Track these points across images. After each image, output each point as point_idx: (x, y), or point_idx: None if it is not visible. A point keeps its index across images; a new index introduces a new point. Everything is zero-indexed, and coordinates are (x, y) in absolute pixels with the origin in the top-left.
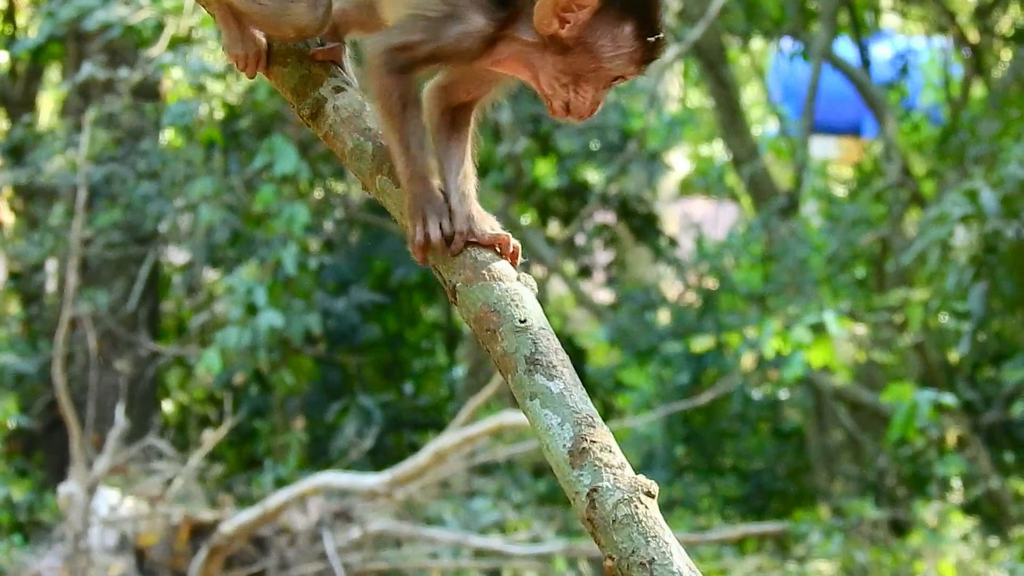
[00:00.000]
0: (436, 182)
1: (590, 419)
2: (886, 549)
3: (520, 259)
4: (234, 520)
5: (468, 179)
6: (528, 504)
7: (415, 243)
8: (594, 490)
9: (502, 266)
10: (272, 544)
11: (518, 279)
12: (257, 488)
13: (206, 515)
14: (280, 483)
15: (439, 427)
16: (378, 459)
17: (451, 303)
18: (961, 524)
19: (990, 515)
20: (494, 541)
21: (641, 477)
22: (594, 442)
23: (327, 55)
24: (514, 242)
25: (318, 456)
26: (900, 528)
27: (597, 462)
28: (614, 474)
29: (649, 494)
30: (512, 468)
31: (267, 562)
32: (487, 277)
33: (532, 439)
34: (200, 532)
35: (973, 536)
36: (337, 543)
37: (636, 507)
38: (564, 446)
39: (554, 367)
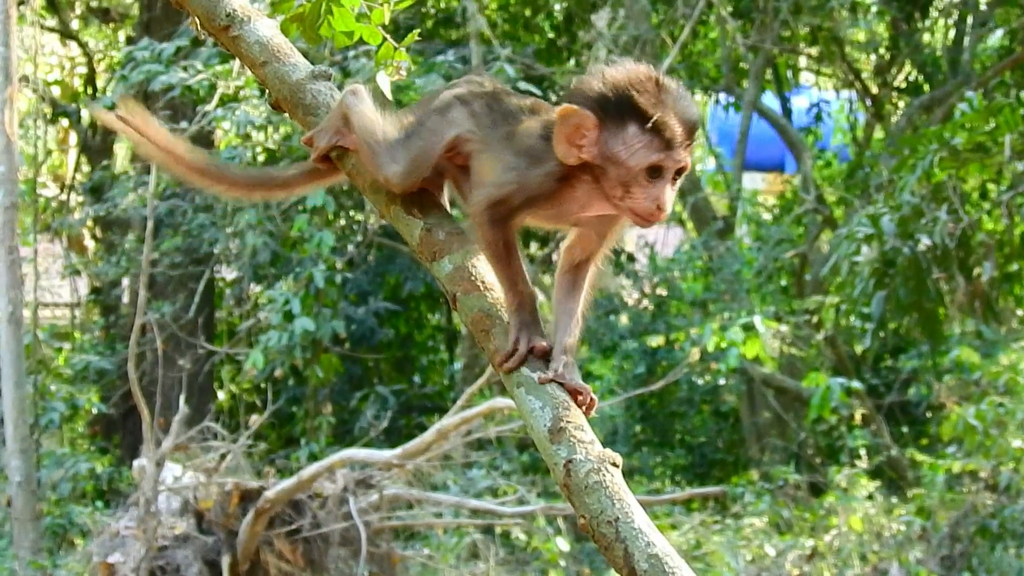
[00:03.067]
0: (537, 312)
1: (566, 403)
2: (806, 507)
3: (594, 413)
4: (275, 488)
5: (573, 335)
6: (515, 473)
7: (504, 353)
8: (569, 461)
9: (493, 278)
10: (306, 507)
11: None
12: (294, 461)
13: (252, 484)
14: (313, 457)
15: (442, 411)
16: (392, 437)
17: (452, 309)
18: (867, 486)
19: (891, 478)
20: (487, 503)
21: (608, 450)
22: (569, 422)
23: (425, 184)
24: (592, 396)
25: (343, 435)
26: (817, 490)
27: (572, 438)
28: (586, 448)
29: (614, 464)
30: (502, 443)
31: (302, 522)
32: (481, 288)
33: (518, 420)
34: (248, 498)
35: (877, 496)
36: (359, 505)
37: (604, 475)
38: (545, 425)
39: (536, 361)
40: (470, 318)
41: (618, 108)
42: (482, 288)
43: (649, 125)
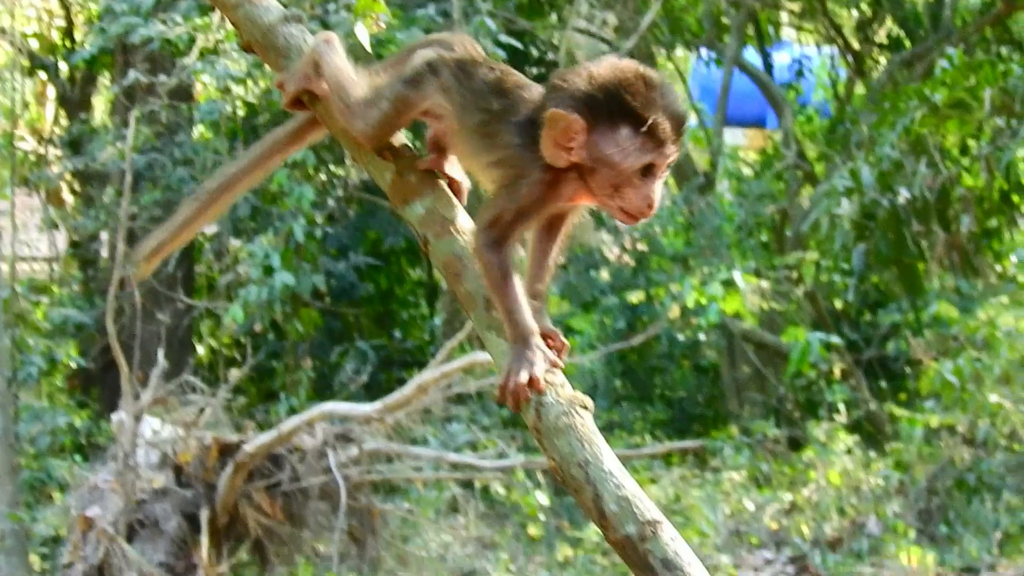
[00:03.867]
0: (536, 338)
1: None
2: (785, 461)
3: (565, 356)
4: (255, 441)
5: (543, 280)
6: (494, 427)
7: (508, 390)
8: (540, 404)
9: (465, 221)
10: (286, 461)
11: None
12: (274, 415)
13: (232, 437)
14: (292, 411)
15: (422, 365)
16: (372, 391)
17: (424, 252)
18: (845, 440)
19: (869, 433)
20: (467, 457)
21: (578, 393)
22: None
23: (429, 164)
24: (563, 340)
25: (323, 389)
26: (796, 444)
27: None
28: (556, 391)
29: (584, 407)
30: (481, 398)
31: (281, 475)
32: (453, 231)
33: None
34: (227, 451)
35: (855, 450)
36: (339, 459)
37: (574, 418)
38: None
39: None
40: (441, 261)
41: (608, 110)
42: (454, 231)
43: (644, 128)
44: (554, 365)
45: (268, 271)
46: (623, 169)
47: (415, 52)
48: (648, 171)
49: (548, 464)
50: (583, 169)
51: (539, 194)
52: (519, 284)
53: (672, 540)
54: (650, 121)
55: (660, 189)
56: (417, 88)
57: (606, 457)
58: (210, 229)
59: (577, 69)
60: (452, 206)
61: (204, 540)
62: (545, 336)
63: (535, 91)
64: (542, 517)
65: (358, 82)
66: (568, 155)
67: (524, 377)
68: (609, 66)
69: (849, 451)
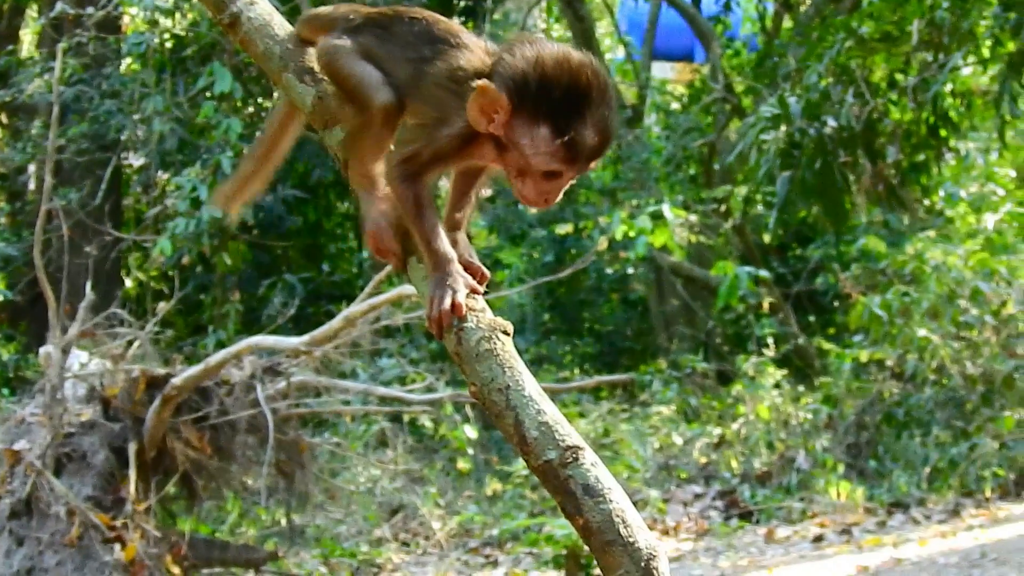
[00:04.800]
0: (455, 264)
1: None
2: (714, 395)
3: (485, 284)
4: (182, 375)
5: (464, 212)
6: (423, 360)
7: (432, 318)
8: (460, 329)
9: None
10: (214, 394)
11: None
12: (202, 349)
13: (160, 371)
14: (220, 345)
15: (350, 298)
16: (301, 325)
17: (343, 176)
18: (774, 374)
19: (798, 367)
20: (395, 390)
21: (498, 319)
22: None
23: None
24: (484, 270)
25: (251, 323)
26: (725, 378)
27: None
28: (477, 316)
29: (505, 332)
30: (410, 331)
31: (209, 409)
32: None
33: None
34: (154, 385)
35: (784, 384)
36: (267, 392)
37: (494, 343)
38: None
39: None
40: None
41: (536, 103)
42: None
43: (562, 139)
44: (473, 291)
45: (196, 204)
46: (530, 164)
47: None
48: (553, 176)
49: (469, 390)
50: (499, 141)
51: (456, 145)
52: (435, 214)
53: (593, 466)
54: (570, 135)
55: (562, 188)
56: (352, 57)
57: (527, 383)
58: (138, 161)
59: (529, 44)
60: None
61: (132, 474)
62: (465, 265)
63: (471, 42)
64: (471, 451)
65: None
66: (488, 126)
67: (447, 303)
68: (558, 58)
69: (778, 385)
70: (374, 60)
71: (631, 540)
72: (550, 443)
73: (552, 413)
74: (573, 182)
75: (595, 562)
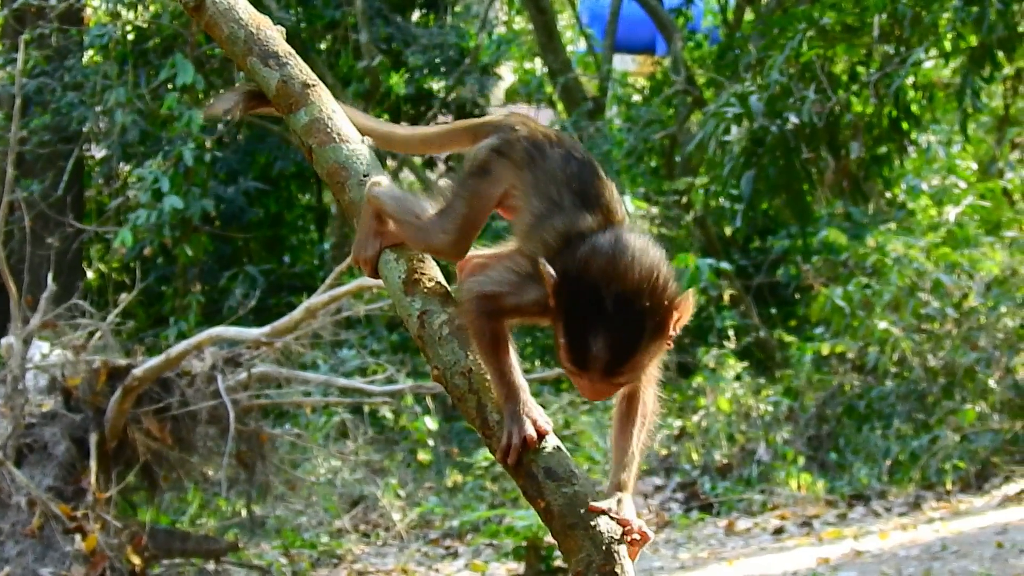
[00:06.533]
0: (526, 397)
1: (420, 256)
2: (675, 388)
3: (647, 545)
4: (143, 366)
5: (627, 471)
6: (384, 352)
7: (504, 448)
8: (423, 313)
9: (350, 131)
10: (175, 385)
11: (362, 140)
12: (163, 340)
13: (121, 362)
14: (181, 336)
15: (311, 290)
16: (262, 317)
17: (308, 161)
18: (735, 367)
19: (759, 359)
20: (356, 382)
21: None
22: (423, 274)
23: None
24: (645, 529)
25: (212, 314)
26: (686, 370)
27: (425, 290)
28: (439, 299)
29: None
30: (371, 323)
31: (170, 400)
32: (337, 139)
33: (388, 299)
34: (116, 375)
35: (745, 376)
36: (228, 383)
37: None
38: (399, 277)
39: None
40: (325, 170)
41: (567, 296)
42: (338, 140)
43: (570, 343)
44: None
45: (157, 195)
46: (556, 345)
47: (476, 147)
48: (573, 372)
49: (432, 373)
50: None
51: (536, 311)
52: (508, 349)
53: (556, 450)
54: (577, 341)
55: (602, 391)
56: (487, 176)
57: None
58: (100, 153)
59: (617, 250)
60: (335, 115)
61: (93, 464)
62: (623, 523)
63: (604, 204)
64: (431, 442)
65: (424, 201)
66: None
67: (517, 437)
68: (613, 256)
69: (739, 377)
70: (520, 174)
71: (593, 523)
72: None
73: None
74: (625, 385)
75: (555, 552)
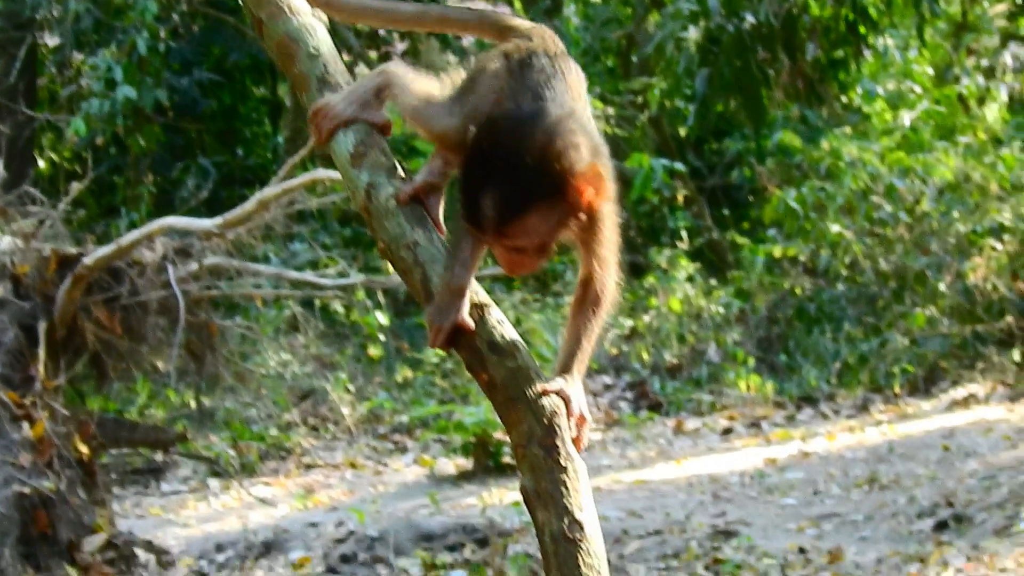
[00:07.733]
0: (464, 297)
1: (368, 130)
2: (626, 287)
3: (587, 433)
4: (94, 254)
5: (575, 358)
6: (336, 246)
7: (433, 338)
8: (371, 185)
9: (301, 3)
10: (125, 275)
11: (312, 14)
12: (114, 230)
13: (71, 250)
14: (133, 226)
15: (264, 183)
16: (214, 208)
17: (257, 35)
18: (687, 267)
19: (711, 260)
20: (307, 275)
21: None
22: (371, 147)
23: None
24: (586, 416)
25: (164, 205)
26: (638, 270)
27: (374, 163)
28: (386, 172)
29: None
30: (324, 217)
31: (121, 289)
32: (288, 11)
33: (340, 192)
34: (66, 264)
35: (697, 277)
36: (178, 274)
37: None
38: (348, 150)
39: (341, 87)
40: (275, 42)
41: (467, 165)
42: (288, 12)
43: (465, 201)
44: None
45: (111, 84)
46: None
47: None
48: (472, 233)
49: (377, 247)
50: None
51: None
52: (470, 254)
53: (499, 323)
54: (467, 199)
55: (515, 261)
56: (494, 72)
57: (434, 238)
58: (53, 41)
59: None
60: None
61: (41, 352)
62: (567, 402)
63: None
64: (382, 337)
65: (437, 86)
66: None
67: (447, 326)
68: (519, 134)
69: (691, 278)
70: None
71: (534, 396)
72: None
73: None
74: (545, 257)
75: (504, 449)
